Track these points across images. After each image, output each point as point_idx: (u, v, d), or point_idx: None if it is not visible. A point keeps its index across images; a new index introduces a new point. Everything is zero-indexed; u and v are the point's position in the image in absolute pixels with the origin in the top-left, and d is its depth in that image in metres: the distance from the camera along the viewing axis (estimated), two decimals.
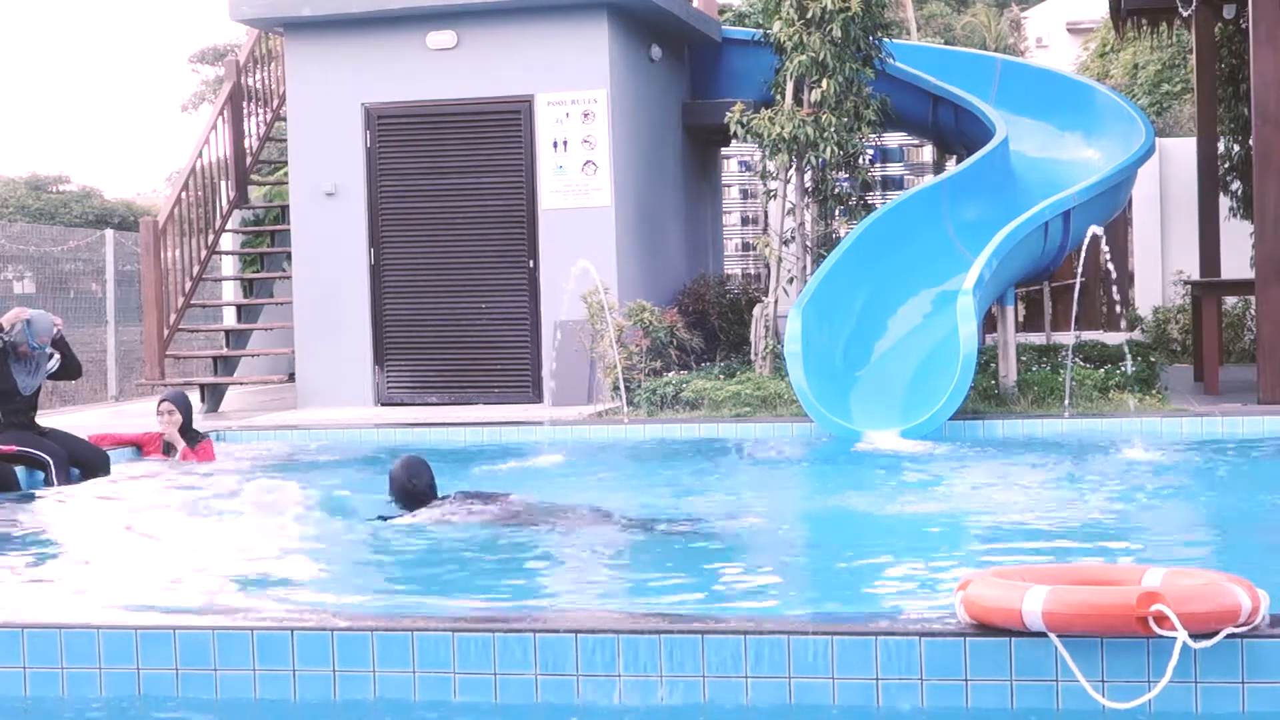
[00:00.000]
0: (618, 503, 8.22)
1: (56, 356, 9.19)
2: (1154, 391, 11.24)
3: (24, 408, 9.02)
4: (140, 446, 9.90)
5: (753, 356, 12.79)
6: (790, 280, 13.19)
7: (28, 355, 8.97)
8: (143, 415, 10.62)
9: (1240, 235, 14.47)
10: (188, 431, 9.80)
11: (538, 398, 12.83)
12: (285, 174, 14.94)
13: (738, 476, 9.26)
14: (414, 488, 7.22)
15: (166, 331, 13.49)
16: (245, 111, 14.92)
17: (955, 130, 14.90)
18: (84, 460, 9.09)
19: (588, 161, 13.03)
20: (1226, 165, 14.56)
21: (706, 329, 13.96)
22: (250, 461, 9.98)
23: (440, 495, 7.33)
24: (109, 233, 17.85)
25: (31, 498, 8.40)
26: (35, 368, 9.05)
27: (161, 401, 9.86)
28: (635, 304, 12.44)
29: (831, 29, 12.38)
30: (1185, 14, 13.28)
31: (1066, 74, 17.07)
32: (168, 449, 9.76)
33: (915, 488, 8.21)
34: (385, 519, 7.12)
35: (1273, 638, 3.96)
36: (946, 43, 29.74)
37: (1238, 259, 14.48)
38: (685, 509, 7.81)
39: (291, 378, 13.88)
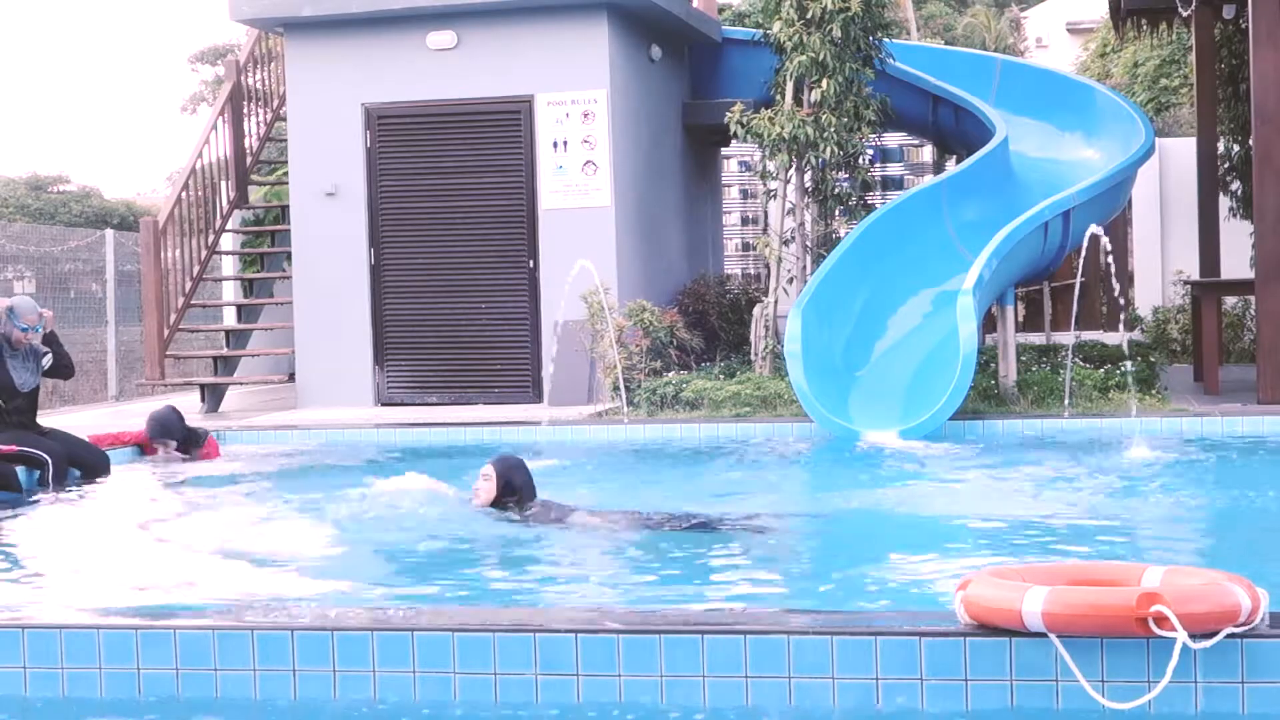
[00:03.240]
0: (617, 502, 8.22)
1: (49, 353, 9.17)
2: (1154, 391, 11.24)
3: (24, 407, 9.00)
4: (142, 446, 9.89)
5: (753, 356, 12.79)
6: (790, 280, 13.19)
7: (23, 343, 8.93)
8: (143, 415, 10.60)
9: (1240, 235, 14.47)
10: (190, 440, 9.76)
11: (538, 398, 12.83)
12: (285, 174, 14.94)
13: (737, 477, 9.25)
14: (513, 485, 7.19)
15: (166, 331, 13.49)
16: (245, 111, 14.92)
17: (955, 130, 14.90)
18: (84, 461, 9.08)
19: (588, 161, 13.04)
20: (1226, 165, 14.56)
21: (706, 329, 13.96)
22: (248, 461, 9.98)
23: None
24: (109, 233, 17.85)
25: (31, 498, 8.40)
26: (33, 363, 9.01)
27: (154, 440, 9.90)
28: (635, 304, 12.44)
29: (831, 29, 12.38)
30: (1185, 14, 13.29)
31: (1066, 74, 17.07)
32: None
33: (915, 488, 8.21)
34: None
35: (1273, 638, 3.96)
36: (946, 43, 29.73)
37: (1238, 259, 14.48)
38: (682, 509, 7.80)
39: (291, 378, 13.88)
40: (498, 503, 7.09)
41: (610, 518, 7.08)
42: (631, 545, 6.62)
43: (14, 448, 8.73)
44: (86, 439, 9.43)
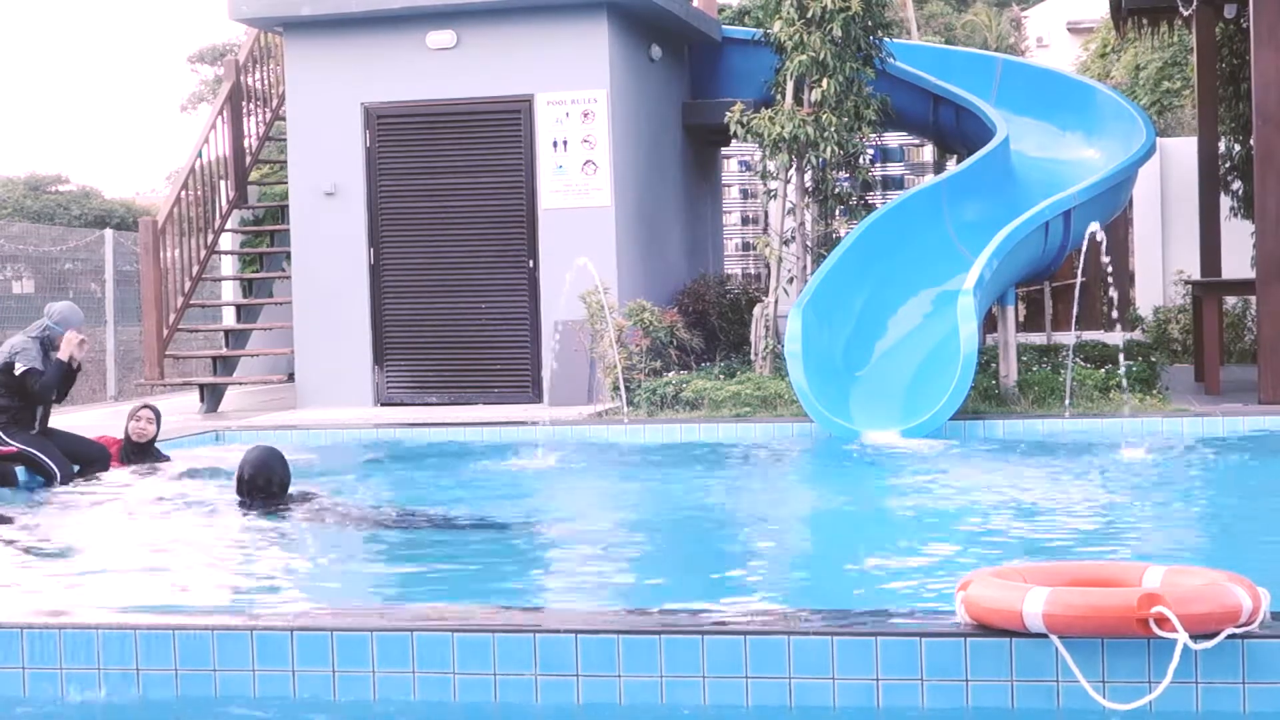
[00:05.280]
0: (603, 502, 8.23)
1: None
2: (1154, 391, 11.24)
3: (43, 413, 9.04)
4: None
5: (753, 356, 12.79)
6: (790, 280, 13.18)
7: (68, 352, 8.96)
8: None
9: (1241, 235, 14.46)
10: (150, 447, 9.48)
11: (538, 398, 12.83)
12: (285, 173, 14.93)
13: (737, 476, 9.25)
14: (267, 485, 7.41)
15: (166, 331, 13.48)
16: (245, 111, 14.91)
17: (956, 130, 14.89)
18: (83, 457, 9.07)
19: (588, 161, 13.03)
20: (1227, 165, 14.56)
21: (706, 329, 13.95)
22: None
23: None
24: (108, 233, 17.85)
25: (31, 497, 8.39)
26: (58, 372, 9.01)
27: (145, 407, 9.51)
28: (635, 304, 12.43)
29: (832, 28, 12.37)
30: (1186, 13, 13.28)
31: (1067, 74, 17.06)
32: (127, 457, 9.34)
33: (915, 488, 8.21)
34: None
35: (1273, 638, 3.96)
36: (947, 42, 29.72)
37: (1238, 259, 14.47)
38: (684, 509, 7.81)
39: (291, 378, 13.88)
40: (242, 493, 7.42)
41: (351, 511, 7.32)
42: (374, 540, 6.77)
43: (14, 447, 8.73)
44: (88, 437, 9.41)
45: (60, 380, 8.87)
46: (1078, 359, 12.06)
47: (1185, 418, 10.24)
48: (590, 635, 4.24)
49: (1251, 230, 12.93)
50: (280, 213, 15.26)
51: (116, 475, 9.08)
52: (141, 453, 9.40)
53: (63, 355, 8.83)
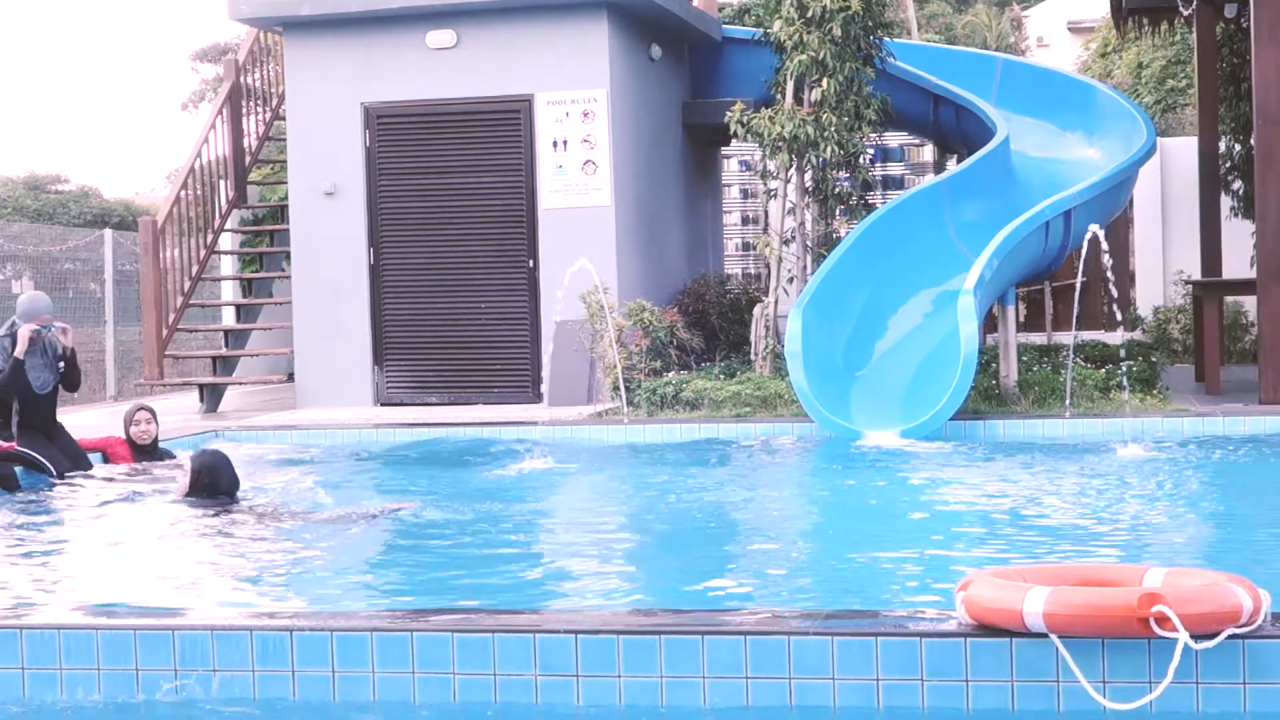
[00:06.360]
0: (599, 502, 8.22)
1: (62, 362, 9.12)
2: (1155, 391, 11.23)
3: (44, 408, 8.99)
4: (104, 452, 9.46)
5: (753, 356, 12.78)
6: (790, 280, 13.17)
7: (36, 341, 8.88)
8: None
9: (1242, 235, 14.46)
10: (154, 446, 9.50)
11: (537, 398, 12.83)
12: (285, 173, 14.93)
13: (737, 477, 9.24)
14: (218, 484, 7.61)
15: (165, 331, 13.47)
16: (244, 111, 14.91)
17: (956, 130, 14.89)
18: (82, 459, 9.06)
19: (587, 161, 13.02)
20: (1228, 165, 14.55)
21: (706, 329, 13.95)
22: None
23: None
24: (108, 232, 17.85)
25: (31, 498, 8.38)
26: (51, 360, 8.96)
27: (141, 409, 9.47)
28: (635, 304, 12.43)
29: (832, 28, 12.37)
30: (1186, 13, 13.28)
31: (1067, 73, 17.06)
32: (138, 454, 9.37)
33: (915, 488, 8.20)
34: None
35: (1274, 638, 3.95)
36: (947, 42, 29.71)
37: (1239, 259, 14.47)
38: (682, 509, 7.80)
39: (291, 378, 13.88)
40: (193, 494, 7.62)
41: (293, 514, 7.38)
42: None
43: (14, 447, 8.71)
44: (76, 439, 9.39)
45: (14, 375, 8.76)
46: (1078, 359, 12.05)
47: (1185, 418, 10.23)
48: (590, 635, 4.24)
49: (1252, 230, 12.92)
50: (280, 213, 15.25)
51: (116, 472, 9.07)
52: (148, 453, 9.45)
53: (18, 352, 8.77)
